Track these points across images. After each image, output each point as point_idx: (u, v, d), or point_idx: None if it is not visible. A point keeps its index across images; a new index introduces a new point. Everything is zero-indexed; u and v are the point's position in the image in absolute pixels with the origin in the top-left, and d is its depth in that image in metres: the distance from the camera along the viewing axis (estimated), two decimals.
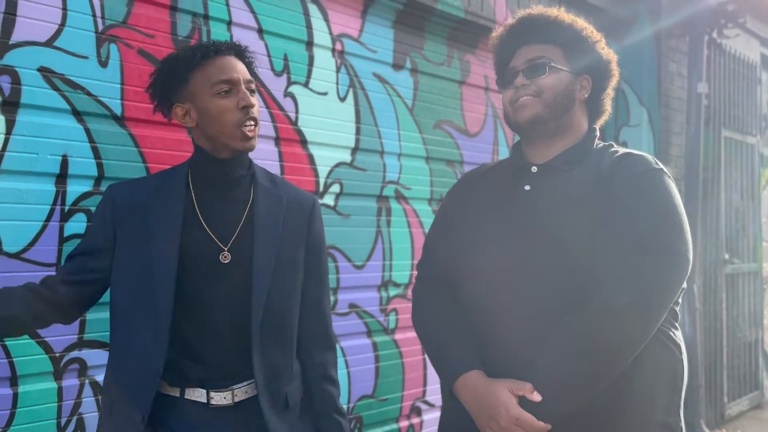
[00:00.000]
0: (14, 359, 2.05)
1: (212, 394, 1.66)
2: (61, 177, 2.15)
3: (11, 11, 2.05)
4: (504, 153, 3.82)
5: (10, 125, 2.05)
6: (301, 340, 1.79)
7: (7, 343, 2.03)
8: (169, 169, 1.79)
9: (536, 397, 1.45)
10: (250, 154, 1.76)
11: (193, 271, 1.66)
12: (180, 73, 1.66)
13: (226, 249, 1.68)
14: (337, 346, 1.91)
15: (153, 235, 1.66)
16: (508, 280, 1.55)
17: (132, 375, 1.65)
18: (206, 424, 1.66)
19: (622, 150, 1.64)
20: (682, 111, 4.92)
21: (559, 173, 1.62)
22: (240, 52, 1.72)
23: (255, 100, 1.69)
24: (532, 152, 1.68)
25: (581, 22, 1.70)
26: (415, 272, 1.84)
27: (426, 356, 3.35)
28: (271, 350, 1.71)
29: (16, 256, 2.06)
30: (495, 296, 1.57)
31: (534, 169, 1.65)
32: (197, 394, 1.66)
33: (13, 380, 2.05)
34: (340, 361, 2.97)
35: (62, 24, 2.16)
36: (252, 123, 1.66)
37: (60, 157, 2.15)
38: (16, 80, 2.06)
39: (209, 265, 1.67)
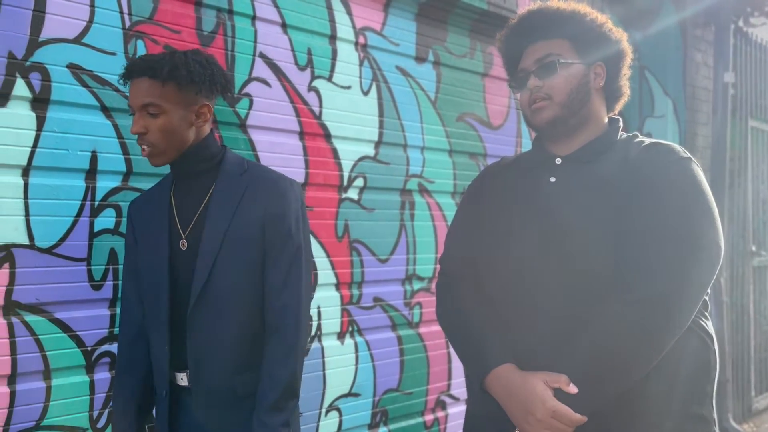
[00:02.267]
0: (47, 353, 2.08)
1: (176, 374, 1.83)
2: (91, 173, 2.18)
3: (40, 9, 2.07)
4: (527, 145, 3.79)
5: (40, 122, 2.08)
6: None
7: (40, 337, 2.06)
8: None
9: (572, 389, 1.43)
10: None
11: (172, 261, 1.80)
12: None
13: (184, 237, 1.78)
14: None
15: (152, 235, 1.83)
16: (535, 272, 1.54)
17: (155, 358, 1.85)
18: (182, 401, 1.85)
19: (648, 140, 1.62)
20: (708, 101, 4.85)
21: (583, 164, 1.60)
22: (155, 72, 1.72)
23: (151, 122, 1.74)
24: (554, 146, 1.67)
25: (583, 8, 1.67)
26: (438, 266, 1.83)
27: (450, 350, 3.35)
28: (207, 339, 1.74)
29: (48, 251, 2.08)
30: (522, 288, 1.56)
31: (558, 160, 1.64)
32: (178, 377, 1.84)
33: (46, 374, 2.08)
34: (365, 354, 2.98)
35: (90, 21, 2.18)
36: (143, 145, 1.77)
37: (89, 153, 2.17)
38: (46, 77, 2.08)
39: (174, 253, 1.80)
